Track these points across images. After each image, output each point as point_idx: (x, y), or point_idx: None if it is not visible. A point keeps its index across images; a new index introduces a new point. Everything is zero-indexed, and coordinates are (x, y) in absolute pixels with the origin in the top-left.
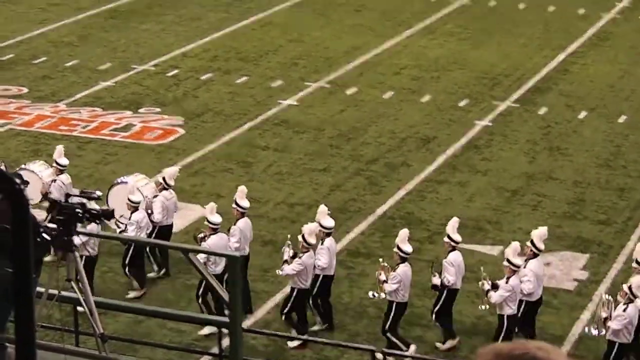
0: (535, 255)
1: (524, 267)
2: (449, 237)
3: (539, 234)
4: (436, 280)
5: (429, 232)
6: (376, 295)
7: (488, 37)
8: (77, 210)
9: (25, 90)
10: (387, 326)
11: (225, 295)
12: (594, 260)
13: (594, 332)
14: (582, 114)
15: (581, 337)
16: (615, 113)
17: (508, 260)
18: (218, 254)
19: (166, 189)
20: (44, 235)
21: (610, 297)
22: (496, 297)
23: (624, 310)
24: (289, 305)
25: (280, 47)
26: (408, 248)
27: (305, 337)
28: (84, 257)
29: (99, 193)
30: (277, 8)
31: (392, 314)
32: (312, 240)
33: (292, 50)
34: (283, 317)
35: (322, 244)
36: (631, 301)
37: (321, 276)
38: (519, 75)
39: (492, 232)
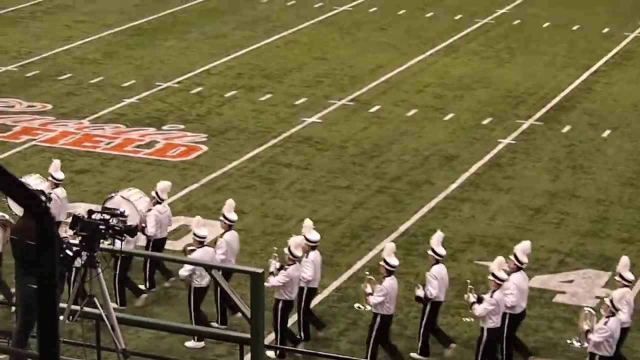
0: (518, 269)
1: (507, 281)
2: (433, 250)
3: (522, 247)
4: (420, 293)
5: (451, 249)
6: (361, 307)
7: (512, 55)
8: (100, 226)
9: (49, 106)
10: (371, 338)
11: (247, 312)
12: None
13: (577, 344)
14: (606, 133)
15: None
16: (638, 132)
17: (493, 275)
18: (239, 270)
19: (159, 203)
20: (67, 251)
21: (592, 310)
22: (480, 310)
23: (605, 323)
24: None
25: (304, 64)
26: (394, 261)
27: (327, 353)
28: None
29: (122, 210)
30: (302, 26)
31: (376, 326)
32: (298, 252)
33: (316, 68)
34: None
35: (307, 256)
36: (613, 314)
37: (306, 288)
38: (542, 93)
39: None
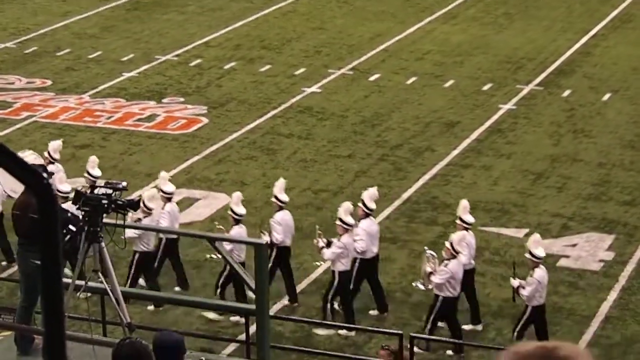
0: (367, 215)
1: (357, 227)
2: (461, 219)
3: (369, 194)
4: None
5: (453, 216)
6: (421, 286)
7: (510, 21)
8: (103, 201)
9: (49, 82)
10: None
11: (251, 283)
12: (619, 241)
13: (421, 286)
14: (606, 96)
15: (608, 317)
16: (638, 95)
17: (340, 219)
18: (243, 241)
19: (52, 163)
20: (70, 226)
21: (433, 252)
22: (328, 254)
23: (446, 265)
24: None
25: (303, 34)
26: (350, 220)
27: (330, 322)
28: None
29: (124, 184)
30: None
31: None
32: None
33: (314, 37)
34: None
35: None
36: (453, 257)
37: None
38: (542, 58)
39: (517, 215)
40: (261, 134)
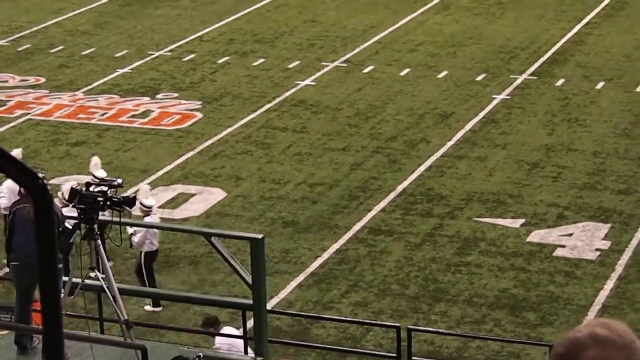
0: (146, 214)
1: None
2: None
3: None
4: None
5: (449, 207)
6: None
7: (503, 10)
8: (99, 198)
9: (42, 80)
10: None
11: (248, 278)
12: (615, 230)
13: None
14: (600, 85)
15: (605, 306)
16: (632, 83)
17: (140, 203)
18: (239, 237)
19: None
20: (66, 224)
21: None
22: (136, 239)
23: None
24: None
25: (296, 27)
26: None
27: (329, 316)
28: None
29: (119, 180)
30: None
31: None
32: (147, 202)
33: (307, 30)
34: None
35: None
36: (147, 214)
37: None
38: (535, 48)
39: (513, 205)
40: (256, 128)
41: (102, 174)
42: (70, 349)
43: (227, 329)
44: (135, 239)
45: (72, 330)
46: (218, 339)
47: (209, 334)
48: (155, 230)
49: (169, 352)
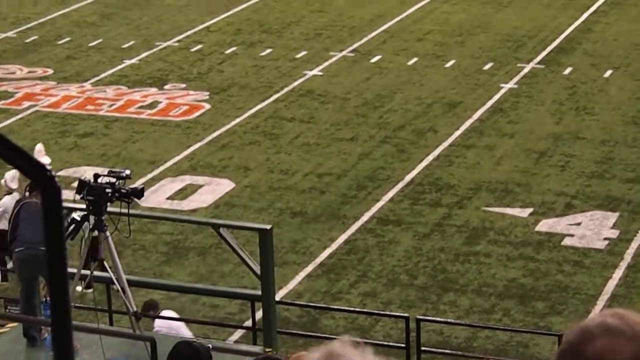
0: (9, 193)
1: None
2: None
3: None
4: None
5: (457, 197)
6: None
7: None
8: (107, 190)
9: (50, 71)
10: None
11: (256, 269)
12: (623, 219)
13: None
14: (607, 73)
15: (614, 295)
16: None
17: (5, 184)
18: (248, 227)
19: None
20: (74, 216)
21: None
22: None
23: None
24: None
25: (303, 17)
26: (45, 160)
27: (338, 307)
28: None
29: (128, 172)
30: None
31: None
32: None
33: (315, 20)
34: None
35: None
36: (9, 193)
37: None
38: (542, 36)
39: (521, 194)
40: (264, 118)
41: (46, 160)
42: (80, 341)
43: (166, 312)
44: None
45: (81, 322)
46: (157, 322)
47: (148, 317)
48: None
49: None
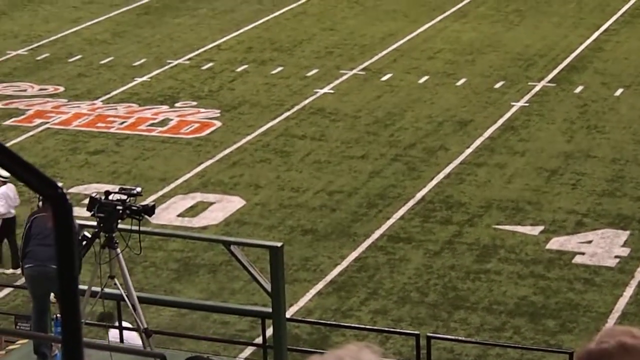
0: (4, 183)
1: None
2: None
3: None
4: None
5: (468, 214)
6: None
7: (521, 18)
8: (118, 207)
9: (61, 89)
10: None
11: (267, 286)
12: (634, 237)
13: None
14: (618, 91)
15: (624, 313)
16: None
17: None
18: (259, 245)
19: None
20: (85, 233)
21: None
22: None
23: None
24: None
25: (314, 35)
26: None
27: (349, 324)
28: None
29: (139, 189)
30: None
31: None
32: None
33: (326, 38)
34: None
35: None
36: (4, 184)
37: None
38: (553, 55)
39: (532, 212)
40: (274, 136)
41: (4, 173)
42: (90, 358)
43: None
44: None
45: (92, 339)
46: (112, 332)
47: (104, 327)
48: (12, 196)
49: None
